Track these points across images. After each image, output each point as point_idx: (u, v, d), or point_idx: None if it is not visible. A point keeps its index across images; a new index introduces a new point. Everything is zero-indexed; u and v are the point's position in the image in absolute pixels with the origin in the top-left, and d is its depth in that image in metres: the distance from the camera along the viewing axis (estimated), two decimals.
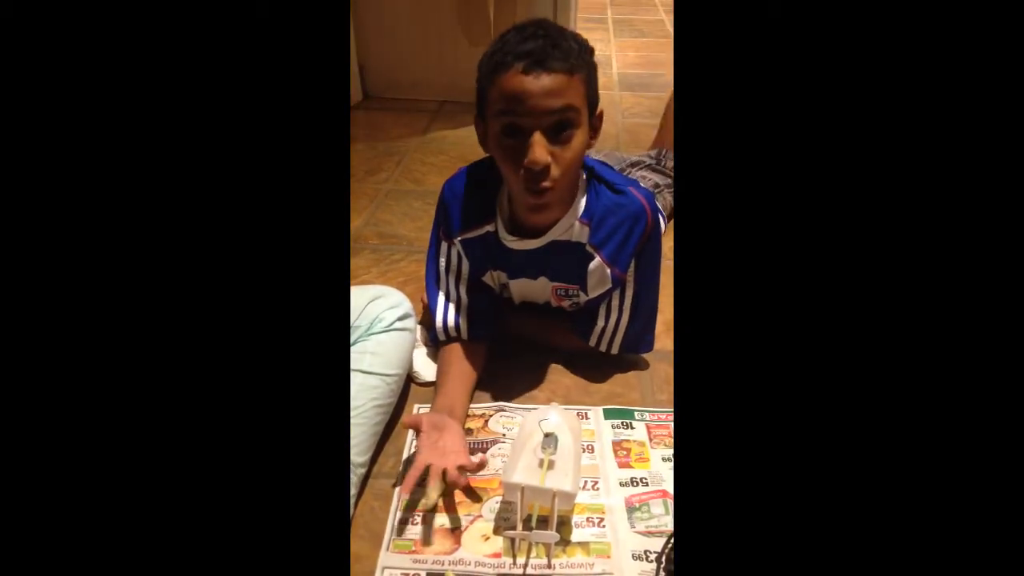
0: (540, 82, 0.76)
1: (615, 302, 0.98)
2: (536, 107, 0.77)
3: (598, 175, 0.94)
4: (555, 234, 0.93)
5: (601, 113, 0.86)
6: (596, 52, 0.84)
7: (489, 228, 0.95)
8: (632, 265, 0.95)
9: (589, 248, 0.93)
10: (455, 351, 1.00)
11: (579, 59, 0.79)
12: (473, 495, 0.85)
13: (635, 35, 3.17)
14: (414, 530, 0.81)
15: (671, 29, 3.19)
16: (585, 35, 0.84)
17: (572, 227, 0.92)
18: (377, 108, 2.22)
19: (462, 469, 0.80)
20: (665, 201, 1.38)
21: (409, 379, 1.03)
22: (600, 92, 0.85)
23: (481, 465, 0.82)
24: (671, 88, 1.91)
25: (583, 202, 0.92)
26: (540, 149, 0.78)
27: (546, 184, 0.81)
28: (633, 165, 1.47)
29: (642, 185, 1.32)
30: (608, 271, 0.94)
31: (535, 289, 1.03)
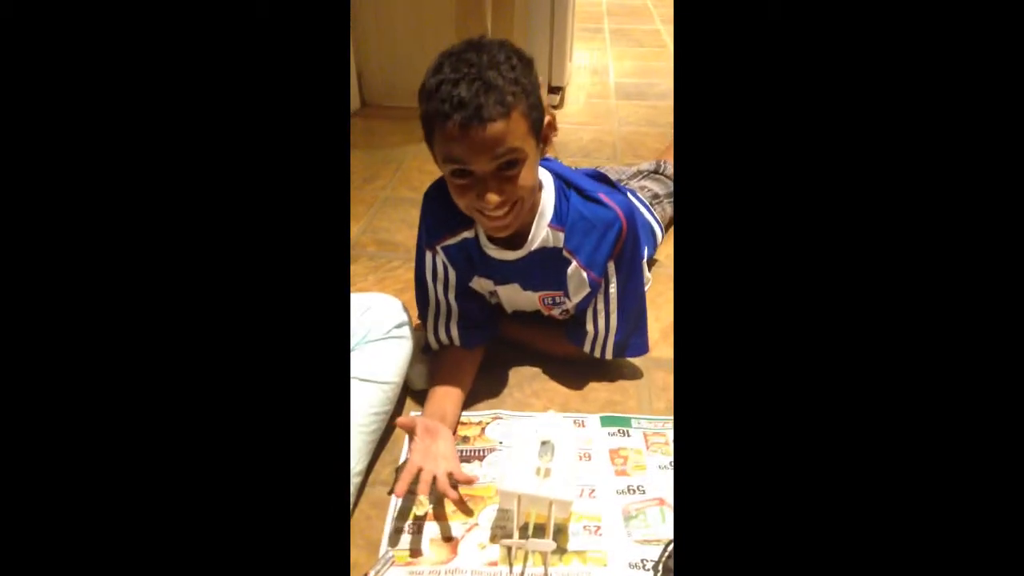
0: (478, 135, 0.75)
1: (600, 306, 0.99)
2: (479, 158, 0.77)
3: (568, 181, 0.94)
4: (532, 245, 0.93)
5: (551, 121, 0.86)
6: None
7: (467, 234, 0.95)
8: (612, 271, 0.96)
9: (566, 253, 0.94)
10: (449, 358, 1.01)
11: (516, 90, 0.77)
12: (465, 508, 0.84)
13: (632, 45, 3.19)
14: (410, 539, 0.80)
15: (667, 39, 3.20)
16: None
17: (546, 234, 0.93)
18: (375, 116, 2.23)
19: (451, 478, 0.80)
20: (664, 212, 1.38)
21: (405, 386, 1.02)
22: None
23: (470, 480, 0.82)
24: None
25: (551, 208, 0.92)
26: (491, 196, 0.79)
27: (499, 213, 0.82)
28: (633, 176, 1.48)
29: (642, 196, 1.33)
30: (584, 275, 0.94)
31: (523, 298, 1.03)
